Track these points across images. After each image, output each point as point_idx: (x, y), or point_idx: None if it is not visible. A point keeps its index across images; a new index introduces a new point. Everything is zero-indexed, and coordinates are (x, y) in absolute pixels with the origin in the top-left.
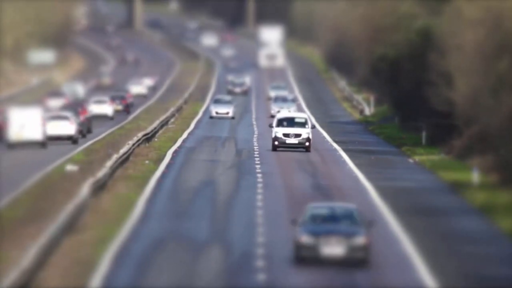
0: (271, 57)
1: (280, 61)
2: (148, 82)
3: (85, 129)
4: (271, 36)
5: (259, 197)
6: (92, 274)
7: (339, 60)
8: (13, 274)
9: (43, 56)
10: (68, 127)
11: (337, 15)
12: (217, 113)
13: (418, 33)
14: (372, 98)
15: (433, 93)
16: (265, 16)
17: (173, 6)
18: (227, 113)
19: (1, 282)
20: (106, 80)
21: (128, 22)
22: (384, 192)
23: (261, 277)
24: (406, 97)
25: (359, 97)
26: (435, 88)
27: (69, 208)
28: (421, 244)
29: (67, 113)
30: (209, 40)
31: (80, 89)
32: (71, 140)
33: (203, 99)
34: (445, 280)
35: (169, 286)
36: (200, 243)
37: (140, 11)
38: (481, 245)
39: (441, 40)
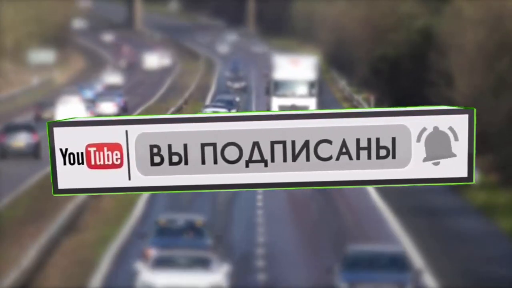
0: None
1: None
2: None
3: None
4: (296, 72)
5: (259, 197)
6: (92, 274)
7: (339, 60)
8: (13, 274)
9: (43, 56)
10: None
11: (337, 15)
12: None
13: (419, 33)
14: (372, 98)
15: (433, 93)
16: (265, 16)
17: (173, 6)
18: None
19: (1, 282)
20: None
21: (129, 22)
22: (384, 192)
23: (261, 277)
24: (407, 97)
25: (359, 97)
26: (435, 88)
27: (69, 208)
28: (421, 244)
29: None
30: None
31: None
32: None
33: (203, 99)
34: (445, 279)
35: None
36: None
37: (140, 11)
38: (481, 245)
39: (442, 40)
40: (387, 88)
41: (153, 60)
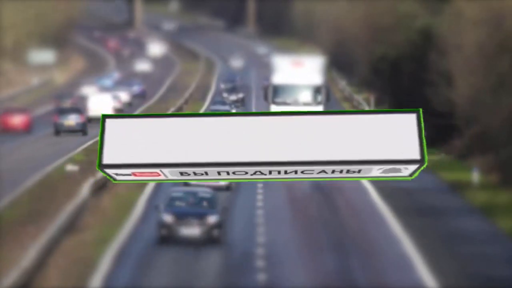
0: None
1: None
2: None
3: None
4: (299, 76)
5: (259, 197)
6: (92, 274)
7: (339, 60)
8: (13, 274)
9: (43, 56)
10: None
11: (337, 15)
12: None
13: (419, 33)
14: (372, 98)
15: (433, 93)
16: (265, 16)
17: (173, 6)
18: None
19: (1, 282)
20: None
21: (129, 22)
22: (384, 192)
23: (261, 277)
24: (407, 97)
25: (359, 97)
26: (435, 88)
27: (69, 208)
28: (421, 244)
29: None
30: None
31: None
32: None
33: (203, 99)
34: (445, 280)
35: (169, 286)
36: (200, 243)
37: (140, 11)
38: (481, 245)
39: (442, 40)
40: (387, 88)
41: (156, 48)
